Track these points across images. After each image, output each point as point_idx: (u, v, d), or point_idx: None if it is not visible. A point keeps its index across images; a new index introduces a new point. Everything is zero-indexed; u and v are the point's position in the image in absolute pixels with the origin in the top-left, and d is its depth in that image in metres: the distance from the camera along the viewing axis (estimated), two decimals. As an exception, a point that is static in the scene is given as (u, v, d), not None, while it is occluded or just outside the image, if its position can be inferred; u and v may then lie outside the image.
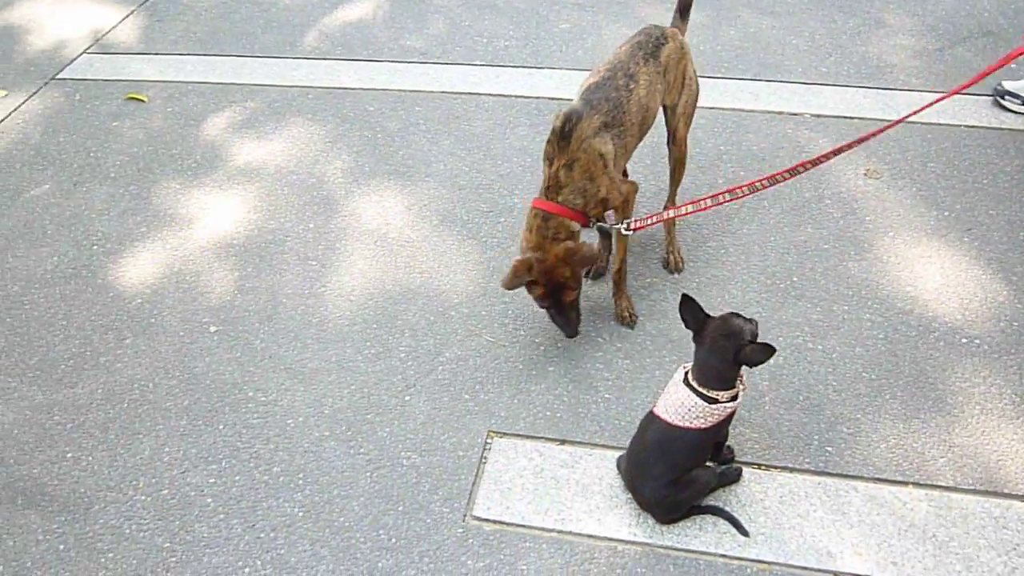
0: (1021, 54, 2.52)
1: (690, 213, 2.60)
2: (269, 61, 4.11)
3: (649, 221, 2.62)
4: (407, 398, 2.60)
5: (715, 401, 2.13)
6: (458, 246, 3.08)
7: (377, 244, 3.11)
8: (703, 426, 2.14)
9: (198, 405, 2.63)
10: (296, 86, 3.93)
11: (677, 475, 2.17)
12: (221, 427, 2.56)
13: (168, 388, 2.69)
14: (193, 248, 3.16)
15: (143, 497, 2.41)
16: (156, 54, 4.25)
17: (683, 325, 2.19)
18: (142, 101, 3.92)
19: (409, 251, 3.07)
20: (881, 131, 2.58)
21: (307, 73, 4.00)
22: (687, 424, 2.14)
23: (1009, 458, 2.35)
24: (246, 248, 3.13)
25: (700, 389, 2.15)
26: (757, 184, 2.48)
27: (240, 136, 3.66)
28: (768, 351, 2.06)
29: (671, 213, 2.69)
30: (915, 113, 2.45)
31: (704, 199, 2.55)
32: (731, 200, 2.53)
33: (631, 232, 2.59)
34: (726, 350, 2.11)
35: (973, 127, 3.45)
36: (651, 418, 2.22)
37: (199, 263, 3.10)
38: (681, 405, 2.15)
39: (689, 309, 2.16)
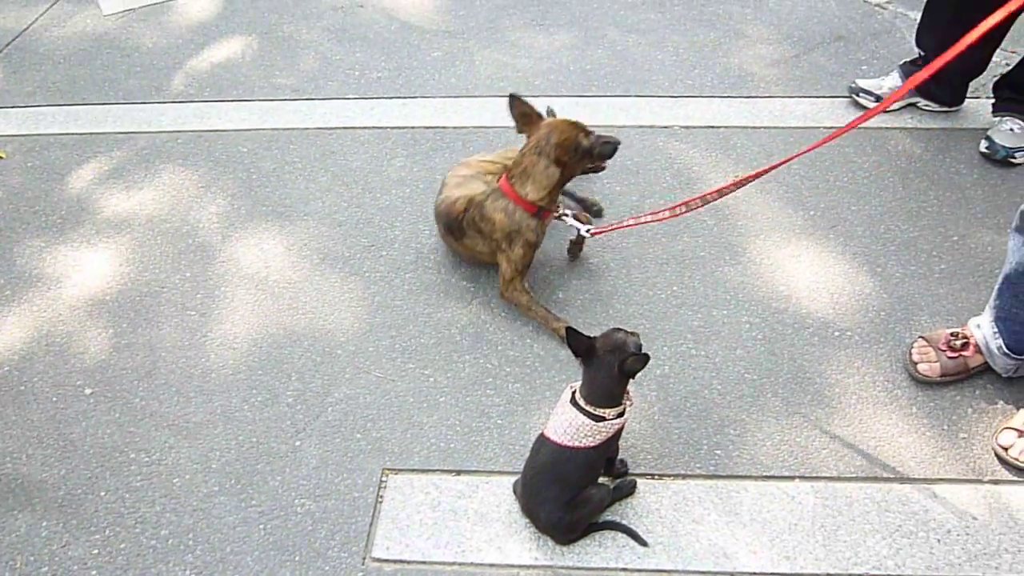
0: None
1: (648, 222, 2.73)
2: (134, 107, 3.98)
3: (612, 227, 2.82)
4: (298, 443, 2.54)
5: (602, 419, 2.15)
6: (341, 283, 3.03)
7: (258, 288, 3.04)
8: (592, 444, 2.16)
9: (76, 473, 2.51)
10: (164, 131, 3.82)
11: (571, 495, 2.19)
12: (102, 494, 2.45)
13: (43, 458, 2.56)
14: (62, 308, 3.02)
15: (20, 577, 2.28)
16: (12, 107, 4.07)
17: (573, 354, 2.22)
18: (0, 157, 3.74)
19: (291, 293, 3.01)
20: (796, 154, 2.65)
21: (175, 117, 3.90)
22: (576, 444, 2.16)
23: (885, 443, 2.45)
24: (119, 303, 3.02)
25: (587, 408, 2.17)
26: (708, 197, 2.60)
27: (107, 187, 3.53)
28: (644, 359, 2.12)
29: (631, 221, 2.78)
30: (834, 136, 2.51)
31: (662, 211, 2.70)
32: (686, 212, 2.64)
33: (590, 236, 2.84)
34: (611, 364, 2.15)
35: (830, 127, 3.60)
36: (541, 441, 2.23)
37: (70, 323, 2.96)
38: (569, 425, 2.17)
39: (575, 338, 2.19)
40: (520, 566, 2.22)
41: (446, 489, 2.40)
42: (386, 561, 2.25)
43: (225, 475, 2.47)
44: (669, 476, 2.40)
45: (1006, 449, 2.39)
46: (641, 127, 3.67)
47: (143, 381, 2.75)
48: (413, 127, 3.75)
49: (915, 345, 2.66)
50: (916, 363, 2.62)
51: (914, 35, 3.60)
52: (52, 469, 2.53)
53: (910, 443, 2.45)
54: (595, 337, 2.21)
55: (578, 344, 2.19)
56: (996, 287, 2.54)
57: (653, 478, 2.40)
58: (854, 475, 2.38)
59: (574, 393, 2.22)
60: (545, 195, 2.74)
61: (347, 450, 2.51)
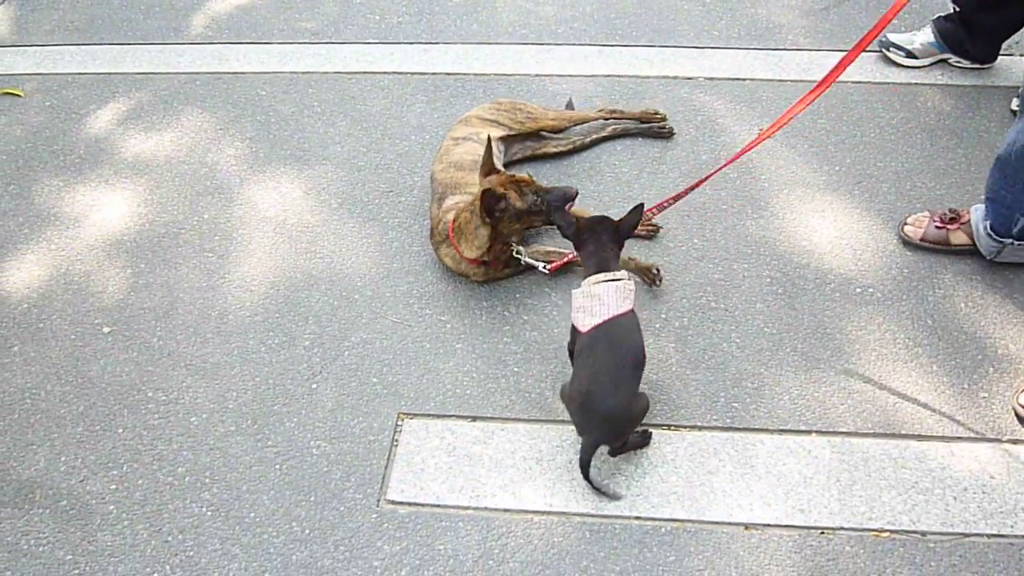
0: (903, 6, 2.53)
1: None
2: (152, 48, 3.94)
3: (565, 260, 2.75)
4: (314, 386, 2.55)
5: (624, 279, 2.29)
6: (359, 229, 3.02)
7: (276, 231, 3.03)
8: (632, 307, 2.27)
9: (94, 410, 2.53)
10: (183, 73, 3.78)
11: (640, 369, 2.24)
12: (120, 431, 2.47)
13: (61, 395, 2.57)
14: (81, 247, 3.02)
15: (40, 510, 2.31)
16: (31, 45, 4.03)
17: (560, 232, 2.42)
18: (18, 96, 3.72)
19: (309, 237, 3.00)
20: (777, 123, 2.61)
21: (194, 59, 3.86)
22: (627, 307, 2.25)
23: (904, 400, 2.43)
24: (138, 244, 3.01)
25: (608, 277, 2.29)
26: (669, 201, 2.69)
27: (125, 128, 3.51)
28: (638, 211, 2.37)
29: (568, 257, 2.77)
30: (823, 83, 2.50)
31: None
32: (658, 213, 2.76)
33: (548, 273, 2.74)
34: (607, 230, 2.36)
35: (859, 83, 3.53)
36: (597, 331, 2.22)
37: (88, 262, 2.97)
38: (609, 296, 2.24)
39: (560, 216, 2.43)
40: (534, 511, 2.23)
41: (461, 435, 2.40)
42: (400, 504, 2.26)
43: (242, 415, 2.48)
44: (685, 427, 2.39)
45: None
46: (665, 78, 3.60)
47: (161, 321, 2.76)
48: (434, 73, 3.69)
49: (917, 213, 2.88)
50: (906, 223, 2.85)
51: (950, -11, 3.50)
52: (71, 405, 2.54)
53: (929, 401, 2.43)
54: (580, 219, 2.40)
55: (562, 220, 2.39)
56: (990, 168, 2.63)
57: (669, 428, 2.39)
58: (871, 431, 2.37)
59: (584, 282, 2.31)
60: (482, 252, 2.66)
61: (363, 394, 2.51)
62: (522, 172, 3.09)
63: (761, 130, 3.29)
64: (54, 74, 3.83)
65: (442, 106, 3.52)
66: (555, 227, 2.64)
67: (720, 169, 2.66)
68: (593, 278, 2.30)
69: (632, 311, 2.27)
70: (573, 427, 2.32)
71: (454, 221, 2.73)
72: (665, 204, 2.71)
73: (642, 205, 2.38)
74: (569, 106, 3.40)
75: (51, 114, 3.61)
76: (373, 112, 3.51)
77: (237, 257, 2.94)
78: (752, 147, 2.57)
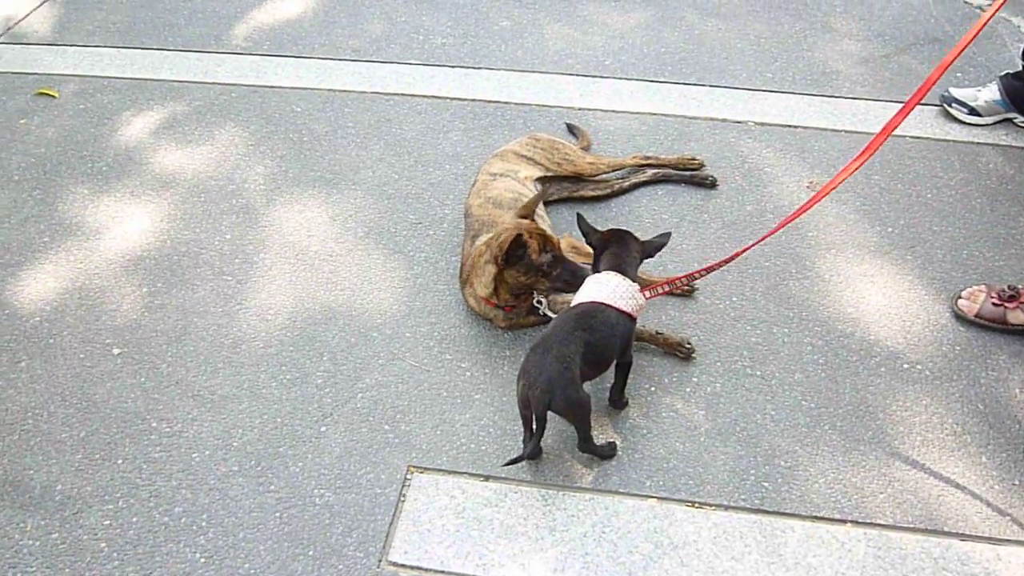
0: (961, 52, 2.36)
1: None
2: (191, 56, 3.88)
3: None
4: (323, 429, 2.43)
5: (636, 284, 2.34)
6: (383, 261, 2.91)
7: (298, 258, 2.93)
8: (630, 310, 2.30)
9: (96, 437, 2.44)
10: (219, 83, 3.71)
11: (596, 357, 2.25)
12: (120, 462, 2.37)
13: (64, 417, 2.49)
14: (99, 261, 2.94)
15: (30, 542, 2.21)
16: (70, 45, 4.00)
17: (584, 239, 2.47)
18: (53, 97, 3.68)
19: (331, 266, 2.89)
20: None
21: (231, 69, 3.79)
22: (624, 307, 2.28)
23: (948, 494, 2.26)
24: (157, 261, 2.93)
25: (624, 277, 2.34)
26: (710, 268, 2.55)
27: (156, 137, 3.44)
28: (666, 235, 2.46)
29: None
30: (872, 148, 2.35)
31: (658, 284, 2.54)
32: (686, 284, 2.67)
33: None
34: (633, 241, 2.43)
35: (918, 138, 3.36)
36: (582, 305, 2.29)
37: (105, 278, 2.89)
38: (615, 288, 2.30)
39: (584, 223, 2.46)
40: (543, 587, 2.09)
41: (472, 495, 2.27)
42: (403, 566, 2.13)
43: (246, 455, 2.38)
44: (710, 506, 2.24)
45: None
46: (712, 120, 3.46)
47: (172, 346, 2.66)
48: (473, 99, 3.59)
49: (973, 286, 2.71)
50: (960, 297, 2.69)
51: (1020, 46, 3.32)
52: (73, 430, 2.45)
53: (976, 495, 2.26)
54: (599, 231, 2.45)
55: (586, 227, 2.44)
56: None
57: (693, 505, 2.24)
58: (911, 525, 2.20)
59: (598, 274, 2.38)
60: (490, 292, 2.56)
61: (373, 441, 2.39)
62: (559, 214, 2.98)
63: (811, 184, 3.15)
64: (91, 76, 3.79)
65: (479, 135, 3.40)
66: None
67: (770, 235, 2.51)
68: (608, 272, 2.36)
69: (629, 316, 2.31)
70: (591, 497, 2.19)
71: (462, 266, 2.66)
72: (710, 269, 2.56)
73: (670, 233, 2.49)
74: (570, 130, 3.32)
75: (84, 118, 3.56)
76: (408, 137, 3.41)
77: (256, 283, 2.84)
78: (805, 210, 2.42)
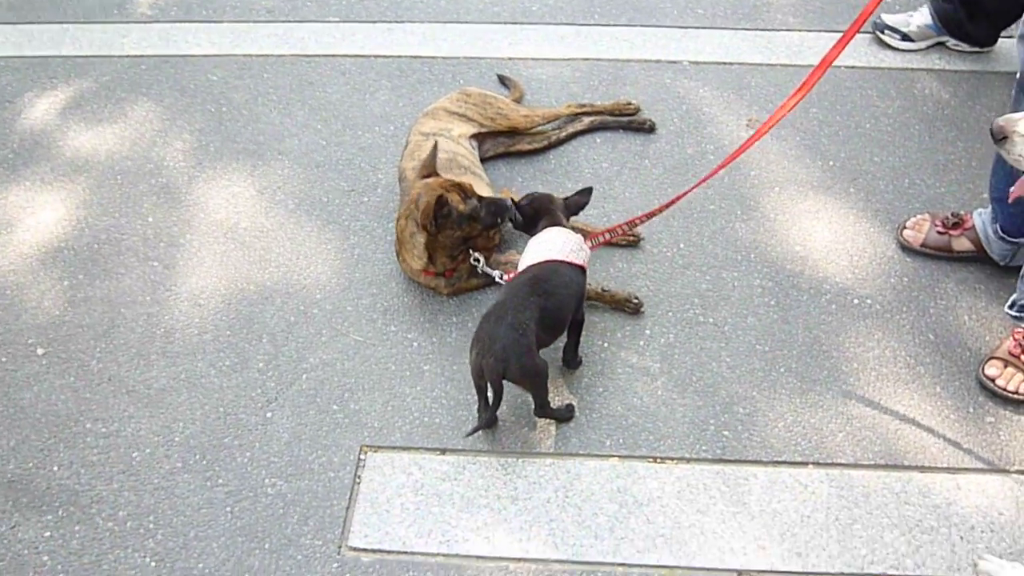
0: None
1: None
2: (94, 28, 3.63)
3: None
4: (269, 415, 2.33)
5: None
6: (318, 233, 2.78)
7: (227, 237, 2.78)
8: (580, 262, 2.29)
9: (27, 444, 2.30)
10: (127, 56, 3.49)
11: (552, 322, 2.22)
12: (55, 469, 2.25)
13: (-10, 426, 2.35)
14: (13, 256, 2.76)
15: (-35, 562, 2.09)
16: (-40, 24, 3.72)
17: (516, 227, 2.48)
18: (-54, 82, 3.42)
19: (263, 242, 2.76)
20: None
21: (139, 40, 3.56)
22: (576, 260, 2.27)
23: (906, 427, 2.27)
24: (76, 252, 2.76)
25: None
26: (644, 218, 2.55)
27: (64, 119, 3.23)
28: (587, 192, 2.47)
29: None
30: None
31: (600, 233, 2.55)
32: (629, 232, 2.62)
33: (502, 282, 2.50)
34: (555, 200, 2.44)
35: (852, 67, 3.32)
36: (532, 267, 2.26)
37: (21, 273, 2.71)
38: (561, 239, 2.29)
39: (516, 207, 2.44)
40: (510, 559, 2.05)
41: (430, 470, 2.21)
42: (364, 551, 2.07)
43: (189, 449, 2.27)
44: (672, 459, 2.21)
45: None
46: (646, 61, 3.37)
47: (101, 341, 2.52)
48: (399, 56, 3.44)
49: (917, 215, 2.69)
50: (905, 228, 2.68)
51: (949, -34, 3.28)
52: (1, 439, 2.31)
53: (933, 427, 2.27)
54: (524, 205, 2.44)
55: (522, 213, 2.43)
56: (992, 165, 2.45)
57: (655, 460, 2.21)
58: (872, 462, 2.20)
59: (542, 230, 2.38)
60: (425, 262, 2.49)
61: (322, 424, 2.30)
62: (497, 170, 2.89)
63: (750, 121, 3.10)
64: (-14, 56, 3.53)
65: (408, 93, 3.27)
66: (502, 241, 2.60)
67: (710, 176, 2.45)
68: (549, 228, 2.36)
69: (580, 268, 2.29)
70: (551, 462, 2.14)
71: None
72: (651, 214, 2.50)
73: (591, 188, 2.49)
74: (501, 82, 3.23)
75: (-18, 102, 3.32)
76: (333, 100, 3.25)
77: (185, 267, 2.70)
78: (745, 149, 2.36)
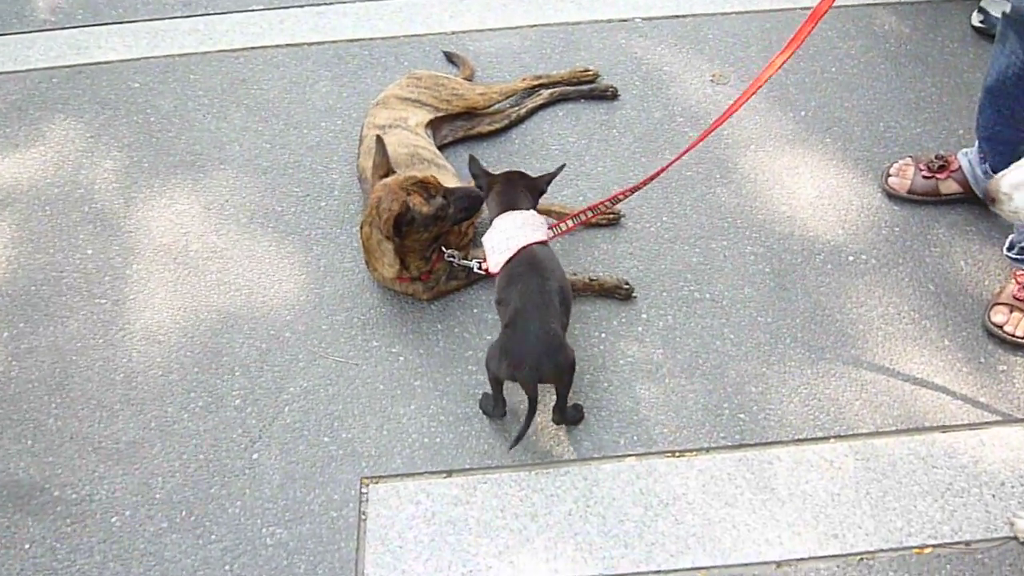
0: None
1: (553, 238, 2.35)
2: (-8, 41, 3.31)
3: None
4: (254, 456, 2.16)
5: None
6: (277, 247, 2.58)
7: (176, 262, 2.56)
8: (544, 238, 2.21)
9: (-10, 522, 2.09)
10: (35, 69, 3.18)
11: (564, 295, 2.12)
12: (27, 547, 2.04)
13: (-55, 506, 2.12)
14: (-59, 309, 2.51)
15: (-60, 665, 1.89)
16: None
17: (475, 181, 2.34)
18: None
19: (218, 264, 2.55)
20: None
21: (45, 50, 3.25)
22: (540, 237, 2.18)
23: (921, 387, 2.20)
24: (12, 298, 2.51)
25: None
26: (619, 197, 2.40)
27: (-26, 147, 2.94)
28: (559, 169, 2.33)
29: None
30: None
31: (579, 213, 2.41)
32: (609, 209, 2.48)
33: (485, 273, 2.34)
34: (521, 179, 2.31)
35: (807, 8, 3.17)
36: (515, 260, 2.14)
37: (-47, 328, 2.46)
38: (518, 225, 2.18)
39: (475, 165, 2.34)
40: (538, 582, 1.93)
41: (439, 495, 2.06)
42: (382, 594, 1.92)
43: (173, 506, 2.08)
44: (691, 451, 2.11)
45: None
46: (597, 22, 3.20)
47: (55, 395, 2.30)
48: (334, 41, 3.20)
49: (899, 160, 2.60)
50: (889, 175, 2.59)
51: None
52: (-41, 519, 2.10)
53: (947, 383, 2.21)
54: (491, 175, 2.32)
55: (479, 170, 2.32)
56: (978, 103, 2.36)
57: (673, 455, 2.10)
58: (893, 427, 2.13)
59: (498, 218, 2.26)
60: (398, 269, 2.31)
61: (315, 459, 2.14)
62: (459, 156, 2.71)
63: (715, 76, 2.97)
64: None
65: (350, 81, 3.05)
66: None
67: (695, 145, 2.31)
68: (499, 217, 2.24)
69: (546, 243, 2.21)
70: (566, 470, 2.02)
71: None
72: (633, 189, 2.36)
73: (563, 165, 2.38)
74: (449, 59, 3.05)
75: None
76: (270, 97, 3.02)
77: (136, 301, 2.48)
78: (728, 116, 2.23)
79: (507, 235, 2.19)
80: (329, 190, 2.72)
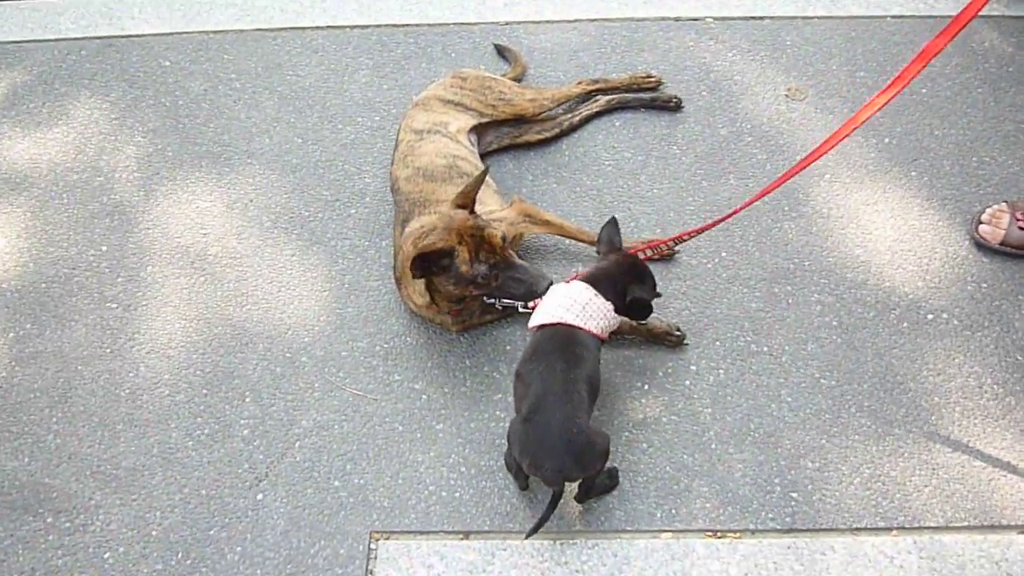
0: None
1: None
2: (22, 6, 3.14)
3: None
4: (259, 497, 2.00)
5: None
6: (300, 257, 2.40)
7: (193, 267, 2.40)
8: (599, 332, 1.91)
9: (-22, 547, 1.97)
10: (64, 39, 3.01)
11: (592, 386, 1.87)
12: (13, 578, 1.92)
13: (-66, 524, 2.00)
14: (-53, 302, 2.38)
15: None
16: None
17: (597, 246, 2.09)
18: None
19: (236, 272, 2.38)
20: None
21: (77, 18, 3.08)
22: (587, 325, 1.89)
23: (1001, 476, 1.96)
24: (20, 294, 2.37)
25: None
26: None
27: (-5, 122, 2.79)
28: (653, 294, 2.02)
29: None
30: None
31: (638, 249, 2.21)
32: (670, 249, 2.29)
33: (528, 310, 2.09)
34: (628, 267, 2.00)
35: (900, 17, 2.90)
36: (544, 331, 1.90)
37: (-43, 324, 2.33)
38: (575, 302, 1.90)
39: (611, 230, 2.06)
40: (555, 671, 1.75)
41: (454, 560, 1.89)
42: (383, 670, 1.76)
43: (169, 546, 1.94)
44: (734, 532, 1.90)
45: None
46: (664, 19, 2.93)
47: (57, 408, 2.16)
48: (379, 25, 2.98)
49: (992, 206, 2.32)
50: (980, 222, 2.30)
51: None
52: (-53, 540, 1.98)
53: (1031, 473, 1.96)
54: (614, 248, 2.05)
55: (605, 237, 2.05)
56: None
57: (715, 535, 1.90)
58: (965, 522, 1.90)
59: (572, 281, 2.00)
60: (427, 300, 2.10)
61: (323, 505, 1.97)
62: (503, 167, 2.49)
63: (790, 91, 2.70)
64: (-100, 46, 3.05)
65: (392, 72, 2.83)
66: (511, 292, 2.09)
67: (766, 193, 2.06)
68: (577, 282, 1.98)
69: (592, 334, 1.91)
70: (594, 543, 1.82)
71: (395, 257, 2.19)
72: (700, 230, 2.13)
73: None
74: (500, 53, 2.82)
75: (-101, 104, 2.86)
76: (306, 85, 2.81)
77: (147, 308, 2.32)
78: (819, 155, 1.96)
79: (562, 305, 1.92)
80: (360, 196, 2.52)
